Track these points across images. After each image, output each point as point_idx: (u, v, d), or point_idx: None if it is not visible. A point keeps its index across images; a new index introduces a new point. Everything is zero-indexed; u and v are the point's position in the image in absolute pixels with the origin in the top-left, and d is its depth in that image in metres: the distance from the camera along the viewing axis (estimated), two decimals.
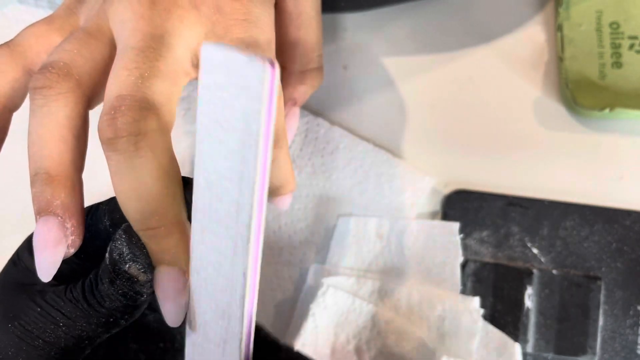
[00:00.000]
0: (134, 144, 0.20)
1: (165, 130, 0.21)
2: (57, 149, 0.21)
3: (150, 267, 0.20)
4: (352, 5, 0.35)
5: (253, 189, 0.17)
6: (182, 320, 0.20)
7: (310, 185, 0.36)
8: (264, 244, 0.37)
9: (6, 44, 0.24)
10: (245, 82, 0.15)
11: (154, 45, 0.22)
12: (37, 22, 0.25)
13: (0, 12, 0.38)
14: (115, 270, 0.20)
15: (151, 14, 0.22)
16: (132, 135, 0.20)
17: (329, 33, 0.38)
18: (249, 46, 0.24)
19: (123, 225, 0.21)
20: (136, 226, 0.20)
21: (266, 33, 0.25)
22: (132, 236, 0.20)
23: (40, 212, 0.21)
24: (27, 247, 0.23)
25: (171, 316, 0.20)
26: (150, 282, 0.21)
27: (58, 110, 0.22)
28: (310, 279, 0.34)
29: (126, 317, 0.21)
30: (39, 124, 0.21)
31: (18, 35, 0.25)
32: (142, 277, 0.20)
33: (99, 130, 0.20)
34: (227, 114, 0.16)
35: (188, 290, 0.20)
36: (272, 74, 0.15)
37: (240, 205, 0.17)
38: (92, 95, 0.23)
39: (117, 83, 0.21)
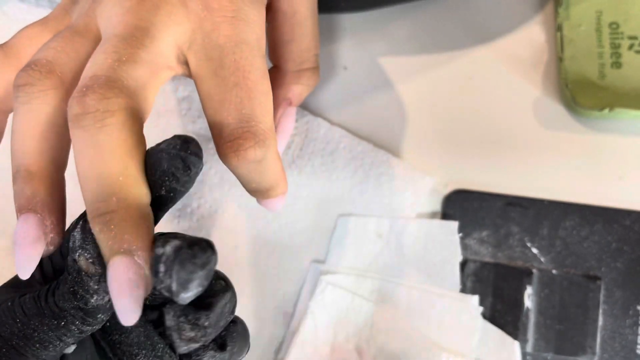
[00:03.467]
0: (100, 121, 0.20)
1: (135, 113, 0.21)
2: (37, 147, 0.21)
3: (99, 258, 0.19)
4: (352, 5, 0.35)
5: None
6: (137, 318, 0.19)
7: (310, 185, 0.36)
8: (264, 244, 0.36)
9: (0, 46, 0.25)
10: None
11: (137, 35, 0.22)
12: (32, 23, 0.25)
13: (0, 10, 0.38)
14: (68, 263, 0.20)
15: (139, 9, 0.22)
16: (99, 111, 0.20)
17: (329, 33, 0.38)
18: (237, 44, 0.24)
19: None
20: (91, 210, 0.19)
21: (255, 31, 0.24)
22: (86, 223, 0.20)
23: (21, 209, 0.21)
24: None
25: (125, 314, 0.19)
26: (100, 279, 0.19)
27: (40, 108, 0.21)
28: (310, 279, 0.34)
29: (77, 323, 0.20)
30: (21, 121, 0.21)
31: (12, 37, 0.25)
32: (90, 269, 0.19)
33: (68, 107, 0.20)
34: None
35: (145, 283, 0.19)
36: None
37: None
38: None
39: (93, 65, 0.21)
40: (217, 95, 0.23)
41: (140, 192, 0.20)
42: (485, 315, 0.33)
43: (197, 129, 0.36)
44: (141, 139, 0.21)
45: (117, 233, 0.19)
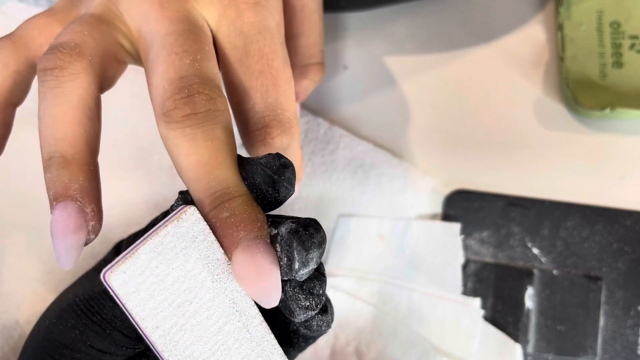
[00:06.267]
0: (213, 119, 0.20)
1: (230, 113, 0.21)
2: (72, 132, 0.21)
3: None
4: (353, 5, 0.35)
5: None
6: (279, 298, 0.19)
7: (310, 185, 0.35)
8: None
9: (7, 36, 0.24)
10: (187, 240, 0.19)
11: (188, 28, 0.22)
12: (39, 14, 0.25)
13: (0, 10, 0.38)
14: None
15: (168, 1, 0.22)
16: (210, 110, 0.20)
17: (330, 32, 0.38)
18: (260, 31, 0.24)
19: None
20: (213, 200, 0.19)
21: (276, 17, 0.25)
22: (187, 194, 0.20)
23: (58, 197, 0.20)
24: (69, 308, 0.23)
25: (266, 300, 0.19)
26: None
27: (71, 92, 0.21)
28: None
29: None
30: (52, 106, 0.21)
31: (19, 27, 0.24)
32: None
33: (170, 109, 0.20)
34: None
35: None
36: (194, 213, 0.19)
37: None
38: (103, 77, 0.23)
39: (173, 67, 0.21)
40: (243, 83, 0.23)
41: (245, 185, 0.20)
42: (486, 316, 0.33)
43: None
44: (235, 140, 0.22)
45: (245, 217, 0.19)
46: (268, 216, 0.21)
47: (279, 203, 0.21)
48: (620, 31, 0.35)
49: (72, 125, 0.21)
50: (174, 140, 0.20)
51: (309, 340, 0.23)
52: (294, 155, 0.25)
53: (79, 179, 0.20)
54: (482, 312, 0.33)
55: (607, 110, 0.33)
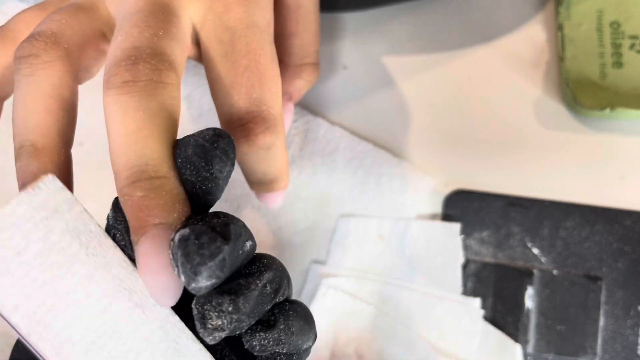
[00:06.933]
0: (153, 89, 0.19)
1: (180, 90, 0.20)
2: (44, 121, 0.20)
3: (128, 238, 0.18)
4: (352, 4, 0.35)
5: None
6: (177, 297, 0.17)
7: (310, 185, 0.35)
8: (264, 244, 0.36)
9: None
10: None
11: (164, 11, 0.21)
12: (29, 8, 0.25)
13: (0, 10, 0.38)
14: None
15: None
16: (152, 81, 0.19)
17: (329, 33, 0.38)
18: (248, 27, 0.23)
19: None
20: (133, 173, 0.18)
21: (265, 15, 0.24)
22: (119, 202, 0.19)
23: (25, 186, 0.19)
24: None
25: (161, 297, 0.17)
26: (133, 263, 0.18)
27: (45, 80, 0.20)
28: (310, 279, 0.34)
29: None
30: (25, 94, 0.20)
31: (9, 21, 0.24)
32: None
33: (112, 75, 0.19)
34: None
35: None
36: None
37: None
38: (80, 67, 0.22)
39: (130, 39, 0.20)
40: (227, 78, 0.23)
41: (175, 172, 0.19)
42: (486, 316, 0.33)
43: (196, 129, 0.36)
44: (178, 121, 0.20)
45: (160, 202, 0.18)
46: (208, 212, 0.18)
47: (216, 180, 0.19)
48: (620, 31, 0.35)
49: (44, 115, 0.20)
50: (107, 107, 0.19)
51: None
52: (279, 156, 0.24)
53: (48, 169, 0.20)
54: (482, 312, 0.33)
55: (607, 110, 0.33)
